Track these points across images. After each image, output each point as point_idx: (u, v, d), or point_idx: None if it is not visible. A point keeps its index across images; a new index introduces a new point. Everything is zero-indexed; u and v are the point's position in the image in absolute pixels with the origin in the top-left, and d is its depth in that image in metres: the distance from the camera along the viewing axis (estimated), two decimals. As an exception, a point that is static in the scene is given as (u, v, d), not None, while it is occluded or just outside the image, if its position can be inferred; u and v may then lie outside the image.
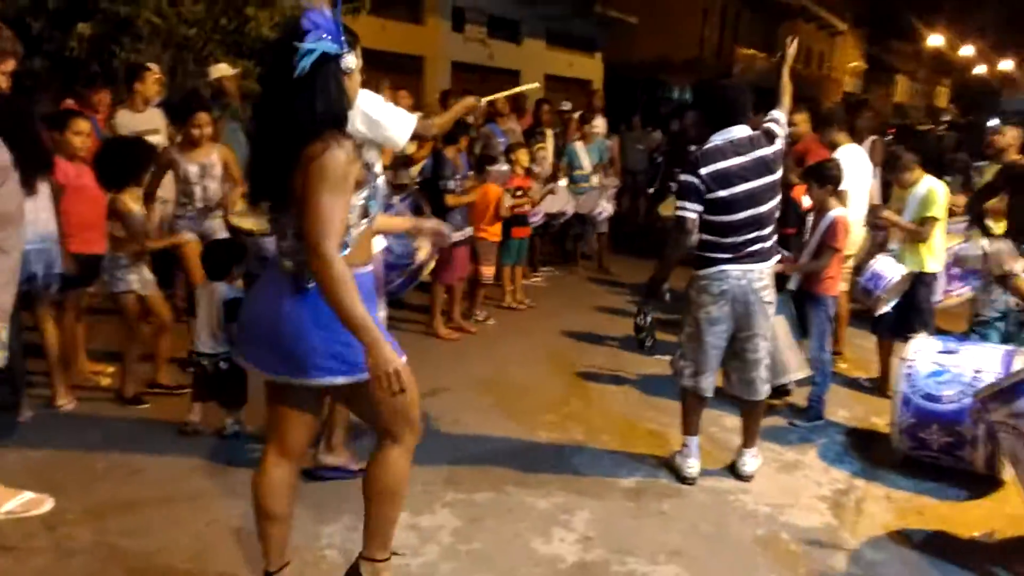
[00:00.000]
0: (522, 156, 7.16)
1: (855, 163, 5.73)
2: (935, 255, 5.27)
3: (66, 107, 5.74)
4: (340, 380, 2.46)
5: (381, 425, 2.63)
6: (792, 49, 4.32)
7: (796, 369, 4.64)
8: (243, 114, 6.80)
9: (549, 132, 8.82)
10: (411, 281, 4.96)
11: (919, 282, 5.23)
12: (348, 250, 2.40)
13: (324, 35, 2.30)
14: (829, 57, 39.73)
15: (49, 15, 7.64)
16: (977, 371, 4.12)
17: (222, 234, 5.13)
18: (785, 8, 30.80)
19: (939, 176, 5.57)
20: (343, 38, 2.35)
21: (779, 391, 5.03)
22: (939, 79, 55.90)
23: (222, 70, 7.05)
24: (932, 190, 5.26)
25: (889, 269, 5.11)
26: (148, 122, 5.97)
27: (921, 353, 4.32)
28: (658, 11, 23.14)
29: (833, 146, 5.81)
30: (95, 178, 4.83)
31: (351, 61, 2.38)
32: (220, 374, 4.18)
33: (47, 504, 3.40)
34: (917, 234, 5.18)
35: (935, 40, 40.22)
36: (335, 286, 2.25)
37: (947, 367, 4.21)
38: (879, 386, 5.47)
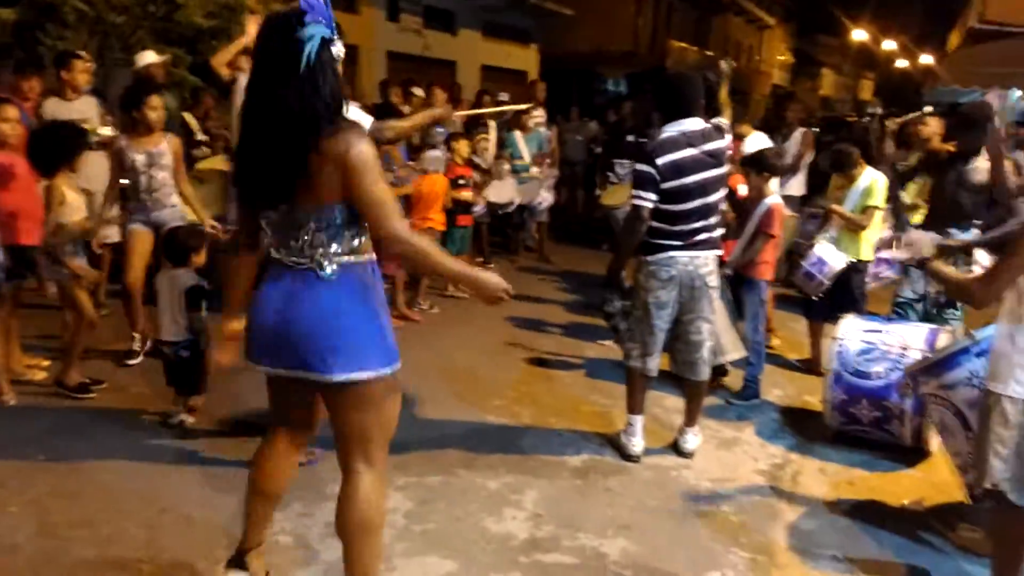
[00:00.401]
0: (462, 146, 7.21)
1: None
2: (871, 244, 5.51)
3: (-10, 94, 5.58)
4: (362, 374, 2.40)
5: (359, 443, 2.49)
6: (728, 70, 4.58)
7: (732, 350, 4.82)
8: (170, 103, 6.68)
9: (492, 123, 8.83)
10: None
11: (854, 269, 5.45)
12: (364, 238, 2.43)
13: (320, 19, 2.27)
14: (758, 50, 40.64)
15: (-30, 0, 7.39)
16: (904, 348, 4.33)
17: (175, 223, 5.05)
18: (716, 2, 31.37)
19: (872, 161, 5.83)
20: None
21: (717, 371, 5.21)
22: (863, 72, 57.62)
23: (149, 58, 6.91)
24: (874, 181, 5.52)
25: (832, 256, 5.32)
26: (78, 111, 5.82)
27: (851, 332, 4.51)
28: (593, 3, 23.33)
29: (739, 136, 6.08)
30: (27, 167, 4.73)
31: (340, 48, 2.35)
32: (180, 362, 4.17)
33: None
34: (859, 223, 5.42)
35: (859, 35, 41.41)
36: (427, 257, 2.39)
37: (875, 345, 4.41)
38: (810, 366, 5.69)
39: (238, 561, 2.73)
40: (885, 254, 5.47)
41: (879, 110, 12.10)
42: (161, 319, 4.21)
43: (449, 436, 4.29)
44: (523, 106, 6.46)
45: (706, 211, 3.95)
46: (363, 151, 2.29)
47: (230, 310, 2.68)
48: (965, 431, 3.45)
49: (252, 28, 5.56)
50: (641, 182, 3.89)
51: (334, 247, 2.38)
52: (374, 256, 2.49)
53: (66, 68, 5.90)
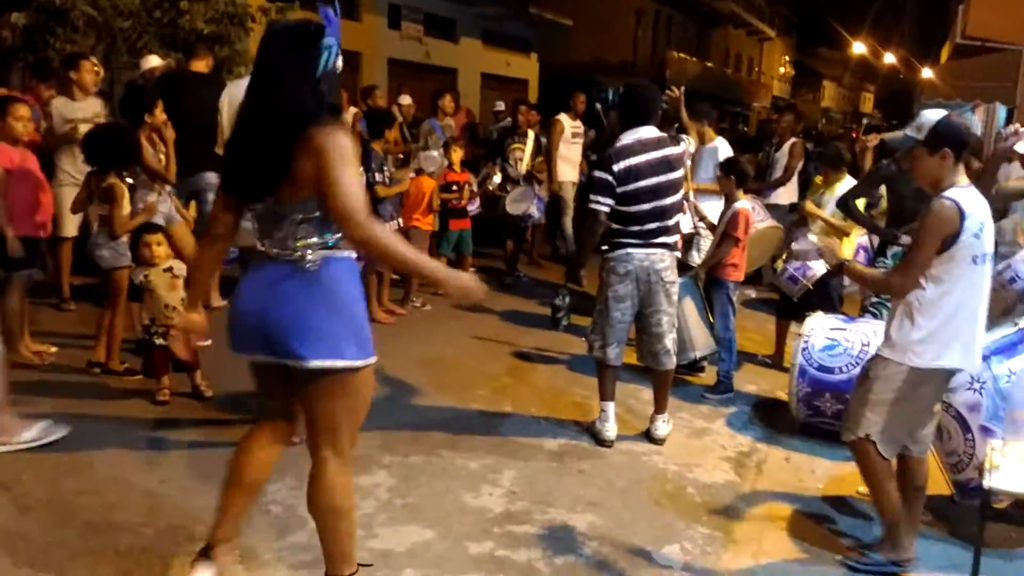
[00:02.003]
0: (455, 153, 7.49)
1: (723, 156, 6.46)
2: (849, 247, 5.79)
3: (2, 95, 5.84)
4: (339, 362, 2.49)
5: (327, 430, 2.59)
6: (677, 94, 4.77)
7: (702, 346, 5.08)
8: None
9: (531, 133, 8.64)
10: None
11: (832, 274, 5.68)
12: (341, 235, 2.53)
13: (334, 32, 2.47)
14: (758, 62, 41.00)
15: (-18, 6, 7.65)
16: (865, 344, 4.58)
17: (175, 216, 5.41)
18: (715, 14, 31.72)
19: (857, 176, 6.14)
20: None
21: (692, 367, 5.47)
22: (864, 85, 58.01)
23: (153, 61, 7.19)
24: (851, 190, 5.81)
25: (815, 261, 5.57)
26: (85, 111, 6.06)
27: (816, 329, 4.76)
28: (592, 14, 23.67)
29: (702, 139, 6.35)
30: (38, 163, 5.02)
31: (340, 60, 2.53)
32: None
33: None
34: (844, 230, 5.70)
35: (859, 48, 41.73)
36: (388, 247, 2.45)
37: (838, 341, 4.66)
38: (775, 362, 5.98)
39: (206, 553, 2.75)
40: (812, 263, 5.65)
41: (863, 123, 12.37)
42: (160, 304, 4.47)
43: (434, 421, 4.54)
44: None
45: (661, 212, 4.24)
46: (342, 141, 2.41)
47: (193, 301, 2.79)
48: (964, 433, 3.66)
49: None
50: (598, 187, 4.21)
51: (316, 239, 2.48)
52: (354, 254, 2.60)
53: (75, 69, 6.14)
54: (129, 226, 4.76)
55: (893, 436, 3.25)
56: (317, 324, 2.47)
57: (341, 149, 2.41)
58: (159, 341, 4.39)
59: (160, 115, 5.46)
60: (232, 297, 2.66)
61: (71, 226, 5.99)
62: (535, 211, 7.97)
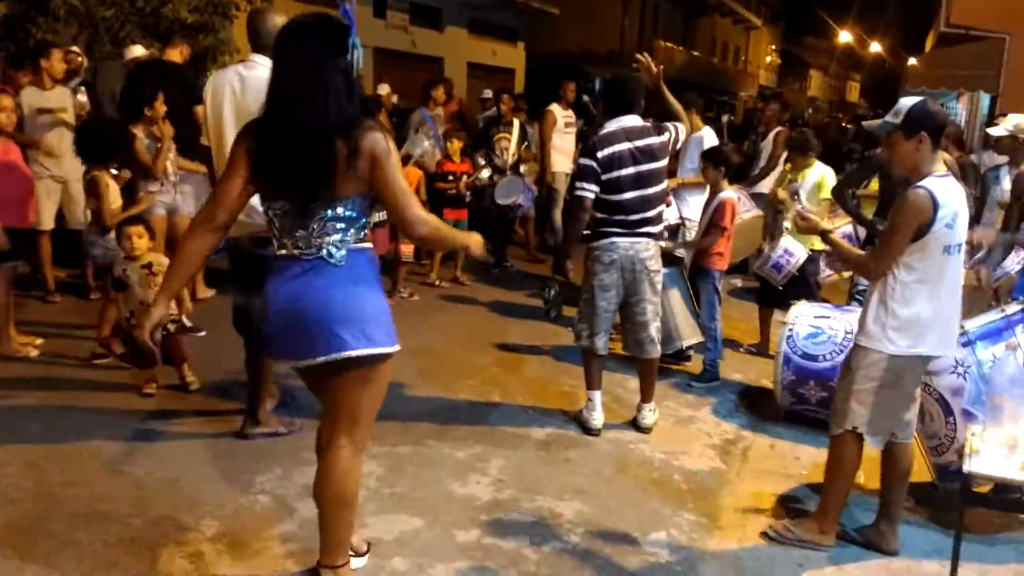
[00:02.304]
0: (454, 143, 7.50)
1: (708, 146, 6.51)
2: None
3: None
4: (376, 349, 2.56)
5: (351, 418, 2.66)
6: (649, 63, 4.52)
7: (689, 335, 5.12)
8: None
9: (516, 122, 8.48)
10: None
11: (809, 261, 5.75)
12: (367, 229, 2.63)
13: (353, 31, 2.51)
14: (744, 51, 41.03)
15: (-38, -5, 7.57)
16: (849, 332, 4.61)
17: (187, 210, 5.43)
18: (702, 3, 31.72)
19: (840, 165, 6.18)
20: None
21: (678, 356, 5.50)
22: (850, 74, 58.18)
23: (137, 51, 7.14)
24: (824, 175, 5.89)
25: (797, 248, 5.62)
26: (54, 100, 6.00)
27: (800, 318, 4.80)
28: (579, 2, 23.61)
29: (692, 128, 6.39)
30: (20, 153, 5.00)
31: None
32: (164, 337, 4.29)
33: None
34: (813, 226, 5.71)
35: (845, 36, 41.83)
36: (439, 232, 2.70)
37: (822, 329, 4.70)
38: (760, 350, 6.04)
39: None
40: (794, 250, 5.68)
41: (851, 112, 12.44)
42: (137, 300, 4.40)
43: (421, 411, 4.56)
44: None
45: (645, 202, 4.27)
46: (389, 145, 2.51)
47: (166, 294, 2.65)
48: (946, 416, 3.71)
49: None
50: (583, 174, 4.24)
51: (342, 235, 2.53)
52: (371, 244, 2.68)
53: (45, 57, 6.06)
54: (119, 218, 4.74)
55: (880, 426, 3.29)
56: (351, 315, 2.52)
57: (393, 155, 2.52)
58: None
59: (160, 108, 5.45)
60: (266, 303, 2.65)
61: (48, 218, 5.96)
62: (524, 201, 7.94)
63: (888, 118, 3.19)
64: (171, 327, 4.36)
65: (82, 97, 6.24)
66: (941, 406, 3.73)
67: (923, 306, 3.15)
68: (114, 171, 4.94)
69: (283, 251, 2.58)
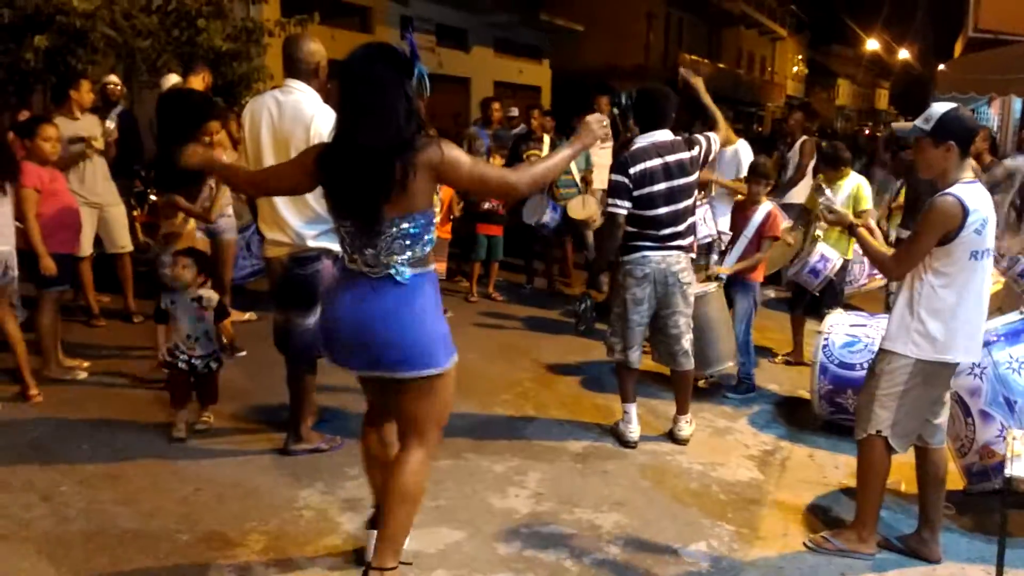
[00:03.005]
0: (496, 159, 7.56)
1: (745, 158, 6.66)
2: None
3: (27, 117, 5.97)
4: (437, 369, 2.72)
5: (418, 425, 2.80)
6: (692, 77, 4.75)
7: (727, 358, 5.11)
8: None
9: (547, 138, 8.44)
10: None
11: (841, 268, 5.74)
12: (430, 248, 2.75)
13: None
14: (771, 62, 40.89)
15: (4, 28, 7.80)
16: (885, 340, 4.60)
17: (229, 234, 5.66)
18: (726, 15, 31.70)
19: (869, 172, 6.19)
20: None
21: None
22: (879, 81, 57.72)
23: (173, 80, 7.31)
24: (859, 186, 5.93)
25: (832, 254, 5.61)
26: (83, 128, 6.14)
27: (836, 327, 4.79)
28: (603, 19, 23.75)
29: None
30: (65, 182, 5.17)
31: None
32: (208, 373, 4.38)
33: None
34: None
35: (872, 44, 41.54)
36: (544, 176, 2.83)
37: (859, 337, 4.68)
38: (795, 358, 6.04)
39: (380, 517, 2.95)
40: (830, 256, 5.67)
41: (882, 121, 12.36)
42: (183, 333, 4.33)
43: (459, 426, 4.58)
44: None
45: (677, 217, 4.29)
46: (452, 151, 2.66)
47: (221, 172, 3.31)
48: (965, 417, 3.71)
49: None
50: (616, 191, 4.27)
51: (408, 254, 2.66)
52: (435, 266, 2.83)
53: (75, 88, 6.21)
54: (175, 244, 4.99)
55: (904, 430, 3.28)
56: (413, 338, 2.68)
57: (457, 152, 2.68)
58: (182, 366, 4.30)
59: (219, 133, 5.62)
60: (325, 314, 2.84)
61: (87, 244, 6.10)
62: (549, 218, 7.75)
63: (918, 123, 3.19)
64: (213, 364, 4.37)
65: (110, 124, 6.40)
66: (960, 407, 3.73)
67: (950, 312, 3.15)
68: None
69: (353, 266, 2.73)
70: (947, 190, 3.09)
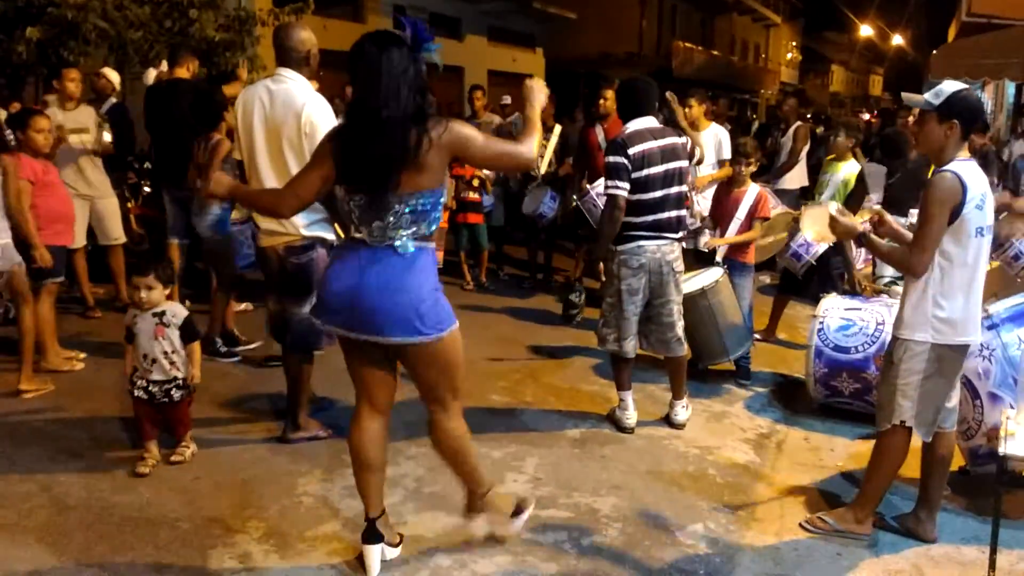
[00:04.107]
0: None
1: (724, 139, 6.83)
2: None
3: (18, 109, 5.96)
4: (433, 335, 2.80)
5: (434, 392, 2.96)
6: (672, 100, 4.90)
7: (739, 346, 5.12)
8: None
9: (557, 128, 8.06)
10: None
11: (834, 252, 5.77)
12: (436, 227, 2.84)
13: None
14: (765, 49, 40.80)
15: (-4, 20, 7.78)
16: (880, 323, 4.62)
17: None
18: (720, 2, 31.62)
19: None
20: None
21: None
22: (872, 68, 57.65)
23: (155, 74, 7.27)
24: (851, 174, 6.03)
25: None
26: (76, 120, 6.11)
27: (831, 310, 4.81)
28: (597, 6, 23.68)
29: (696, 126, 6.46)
30: (58, 173, 5.15)
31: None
32: (169, 403, 3.82)
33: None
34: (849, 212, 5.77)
35: (866, 30, 41.46)
36: (534, 143, 2.91)
37: (854, 321, 4.70)
38: (766, 336, 6.17)
39: (371, 531, 3.00)
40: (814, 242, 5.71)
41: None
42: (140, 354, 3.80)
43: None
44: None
45: (670, 201, 4.28)
46: (464, 127, 2.81)
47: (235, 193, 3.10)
48: (973, 400, 3.71)
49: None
50: (615, 172, 4.21)
51: (414, 229, 2.77)
52: (434, 245, 2.91)
53: (59, 78, 6.18)
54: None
55: (927, 417, 3.27)
56: (420, 304, 2.78)
57: (470, 131, 2.82)
58: (139, 393, 3.79)
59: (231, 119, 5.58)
60: (326, 276, 2.90)
61: (81, 236, 6.09)
62: (547, 208, 7.60)
63: (928, 97, 3.17)
64: (174, 393, 3.81)
65: (107, 137, 6.36)
66: (968, 389, 3.73)
67: (963, 292, 3.14)
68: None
69: (358, 235, 2.81)
70: (945, 167, 3.10)
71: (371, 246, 2.78)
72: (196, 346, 3.86)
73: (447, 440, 3.03)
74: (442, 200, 2.85)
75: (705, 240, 5.41)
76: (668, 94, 4.88)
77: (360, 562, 3.04)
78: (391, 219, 2.74)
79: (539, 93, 3.08)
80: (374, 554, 3.00)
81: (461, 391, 3.02)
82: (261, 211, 3.58)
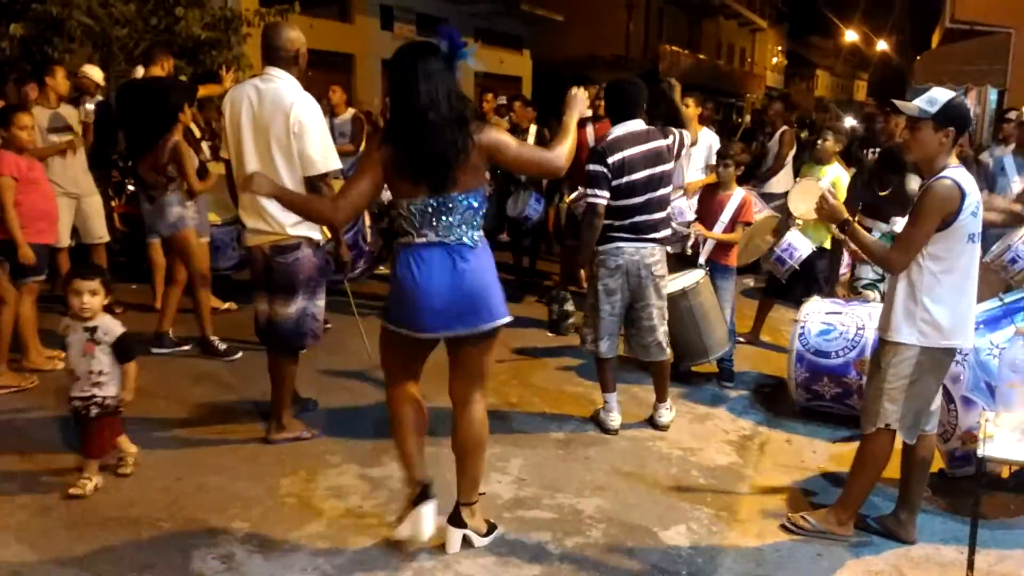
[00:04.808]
0: None
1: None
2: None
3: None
4: (506, 319, 3.05)
5: (480, 379, 3.13)
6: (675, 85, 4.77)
7: (720, 347, 5.15)
8: None
9: (532, 129, 8.29)
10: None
11: (819, 256, 5.82)
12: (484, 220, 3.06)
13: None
14: (751, 53, 41.00)
15: (-20, 17, 7.72)
16: (860, 328, 4.66)
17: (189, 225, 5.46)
18: (707, 6, 31.76)
19: (849, 163, 6.31)
20: None
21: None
22: (857, 73, 58.02)
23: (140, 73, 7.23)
24: (838, 178, 6.05)
25: (801, 243, 5.69)
26: (60, 118, 6.09)
27: (812, 315, 4.84)
28: (584, 9, 23.72)
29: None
30: (43, 170, 5.11)
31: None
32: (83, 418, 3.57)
33: None
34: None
35: (851, 36, 41.73)
36: (568, 152, 3.10)
37: (834, 325, 4.74)
38: (750, 339, 6.21)
39: (424, 494, 3.18)
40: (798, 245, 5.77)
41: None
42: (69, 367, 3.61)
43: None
44: None
45: (653, 205, 4.29)
46: (501, 133, 3.05)
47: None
48: (947, 403, 3.73)
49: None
50: (595, 181, 4.23)
51: (474, 223, 2.99)
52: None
53: (51, 75, 6.11)
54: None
55: (912, 421, 3.29)
56: (493, 291, 3.03)
57: (506, 137, 3.06)
58: (76, 404, 3.56)
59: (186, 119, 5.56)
60: (405, 287, 2.99)
61: (66, 235, 6.06)
62: (532, 211, 7.44)
63: (922, 104, 3.17)
64: (93, 411, 3.53)
65: (89, 106, 6.34)
66: (943, 393, 3.77)
67: (953, 297, 3.15)
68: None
69: (423, 239, 2.97)
70: (943, 174, 3.10)
71: (440, 246, 2.95)
72: (132, 366, 3.60)
73: (479, 428, 3.15)
74: (487, 196, 3.08)
75: (688, 232, 5.42)
76: (671, 80, 4.85)
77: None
78: (457, 217, 2.93)
79: (580, 104, 3.24)
80: (429, 515, 3.15)
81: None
82: (311, 219, 3.59)
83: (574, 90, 3.24)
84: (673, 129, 4.42)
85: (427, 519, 3.15)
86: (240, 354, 5.39)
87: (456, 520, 3.20)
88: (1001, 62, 9.91)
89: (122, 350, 3.58)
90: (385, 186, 3.04)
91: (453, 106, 2.89)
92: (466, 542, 3.22)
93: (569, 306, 6.35)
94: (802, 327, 4.78)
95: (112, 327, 3.57)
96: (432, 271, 2.95)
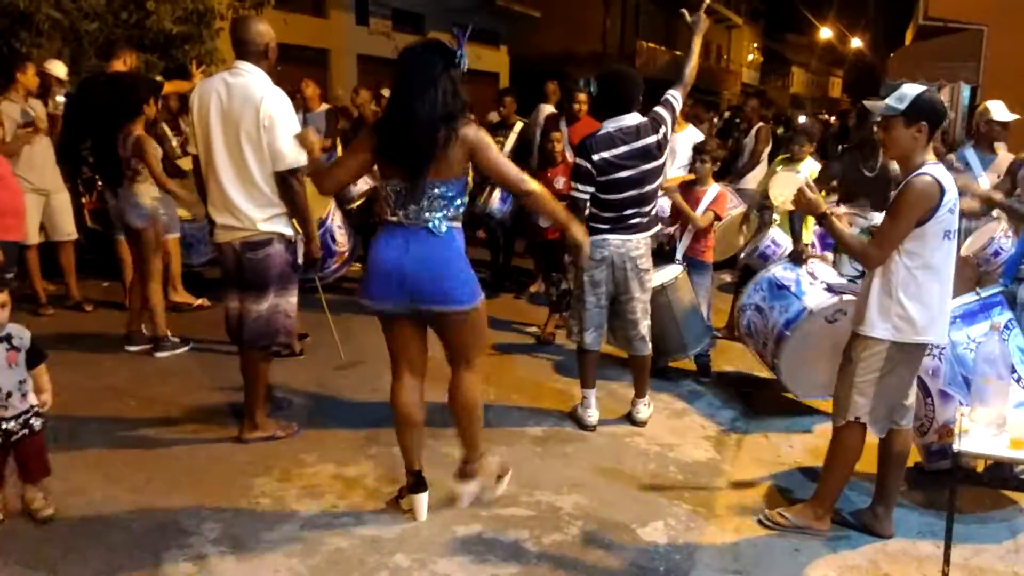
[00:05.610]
0: None
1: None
2: (809, 227, 5.89)
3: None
4: (468, 306, 3.23)
5: (463, 352, 3.35)
6: (703, 21, 4.73)
7: (697, 342, 5.14)
8: None
9: (518, 123, 8.10)
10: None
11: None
12: (462, 209, 3.23)
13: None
14: (726, 50, 41.17)
15: (-55, 10, 7.55)
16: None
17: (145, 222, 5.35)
18: (683, 2, 31.82)
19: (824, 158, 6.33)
20: None
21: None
22: (832, 70, 58.49)
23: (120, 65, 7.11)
24: (812, 171, 6.01)
25: (784, 239, 5.70)
26: (28, 114, 5.96)
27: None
28: (561, 5, 23.71)
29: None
30: (8, 166, 5.00)
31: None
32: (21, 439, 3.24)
33: None
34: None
35: (826, 33, 42.05)
36: (547, 201, 3.34)
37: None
38: (727, 334, 6.17)
39: (418, 481, 3.41)
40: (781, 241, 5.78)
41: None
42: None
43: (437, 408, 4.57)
44: None
45: (639, 201, 4.28)
46: (485, 135, 3.20)
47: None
48: (924, 397, 3.74)
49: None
50: (578, 175, 4.25)
51: (443, 212, 3.14)
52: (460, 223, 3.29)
53: (21, 70, 6.02)
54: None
55: (881, 414, 3.31)
56: (455, 276, 3.20)
57: (488, 140, 3.20)
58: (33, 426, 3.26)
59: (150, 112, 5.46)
60: (372, 255, 3.22)
61: (34, 232, 5.95)
62: (496, 208, 7.07)
63: (891, 102, 3.15)
64: (35, 422, 3.26)
65: (59, 98, 6.22)
66: (920, 388, 3.78)
67: (928, 293, 3.15)
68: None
69: (394, 218, 3.17)
70: (922, 170, 3.09)
71: (407, 227, 3.14)
72: (43, 369, 3.31)
73: (468, 392, 3.38)
74: (466, 187, 3.23)
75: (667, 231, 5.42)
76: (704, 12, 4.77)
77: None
78: (424, 203, 3.10)
79: (583, 246, 3.56)
80: (422, 502, 3.40)
81: (484, 351, 3.58)
82: (316, 179, 3.47)
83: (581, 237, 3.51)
84: (664, 114, 4.32)
85: (420, 506, 3.39)
86: (190, 346, 5.38)
87: (461, 475, 3.50)
88: (974, 59, 9.99)
89: (34, 353, 3.25)
90: (354, 182, 3.25)
91: (446, 103, 3.05)
92: (478, 498, 3.50)
93: (566, 284, 6.33)
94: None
95: (22, 331, 3.25)
96: (390, 249, 3.17)
